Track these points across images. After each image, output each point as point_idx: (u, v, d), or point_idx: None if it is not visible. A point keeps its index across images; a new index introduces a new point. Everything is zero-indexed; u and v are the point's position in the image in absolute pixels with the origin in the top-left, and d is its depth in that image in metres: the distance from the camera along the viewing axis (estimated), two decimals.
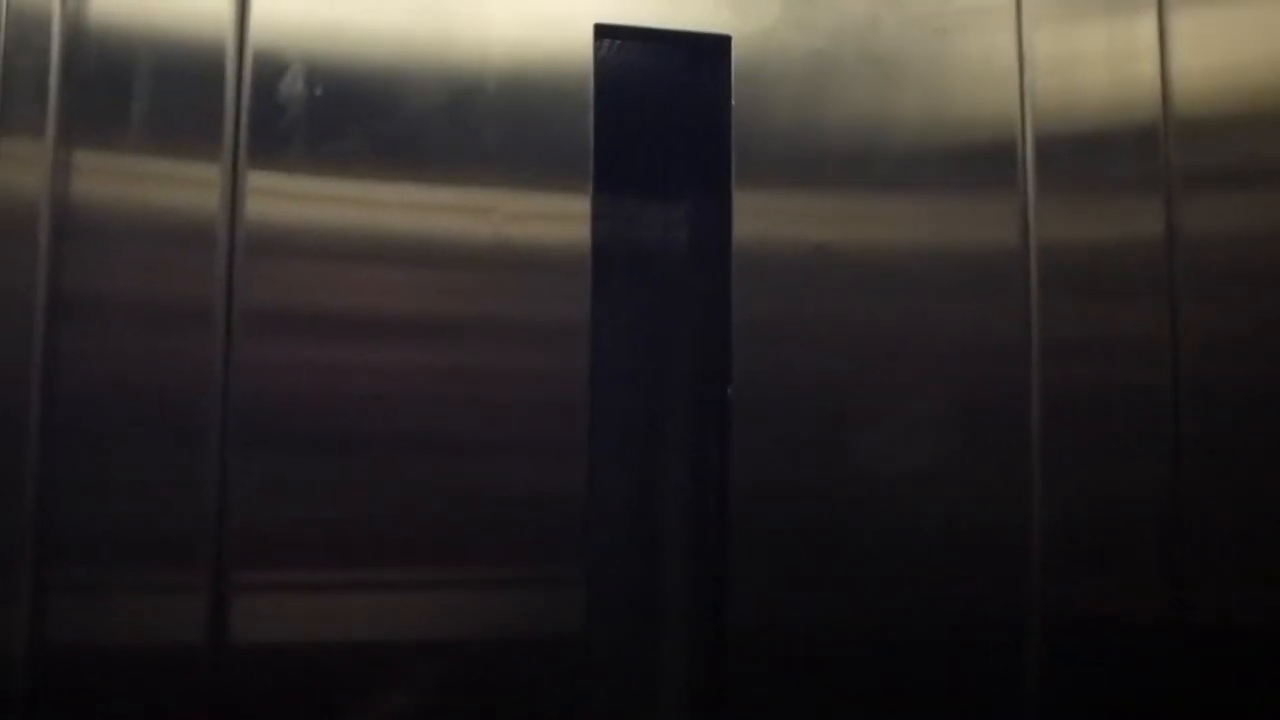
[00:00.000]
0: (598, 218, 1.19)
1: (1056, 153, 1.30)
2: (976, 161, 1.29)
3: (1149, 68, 1.33)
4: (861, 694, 1.22)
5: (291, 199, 1.13)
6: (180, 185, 1.10)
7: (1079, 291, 1.29)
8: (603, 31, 1.23)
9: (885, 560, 1.23)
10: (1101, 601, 1.27)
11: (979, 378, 1.27)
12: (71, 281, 1.07)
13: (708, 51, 1.28)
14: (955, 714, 1.23)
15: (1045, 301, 1.28)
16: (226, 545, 1.08)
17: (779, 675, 1.21)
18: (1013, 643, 1.25)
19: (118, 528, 1.06)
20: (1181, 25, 1.34)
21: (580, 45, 1.21)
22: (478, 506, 1.15)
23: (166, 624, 1.07)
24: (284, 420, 1.11)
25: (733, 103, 1.25)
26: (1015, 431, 1.26)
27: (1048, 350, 1.27)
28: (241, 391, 1.10)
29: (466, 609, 1.16)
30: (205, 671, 1.07)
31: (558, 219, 1.19)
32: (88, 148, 1.09)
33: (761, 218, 1.24)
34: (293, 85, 1.12)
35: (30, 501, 1.04)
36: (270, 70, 1.13)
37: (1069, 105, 1.31)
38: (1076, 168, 1.30)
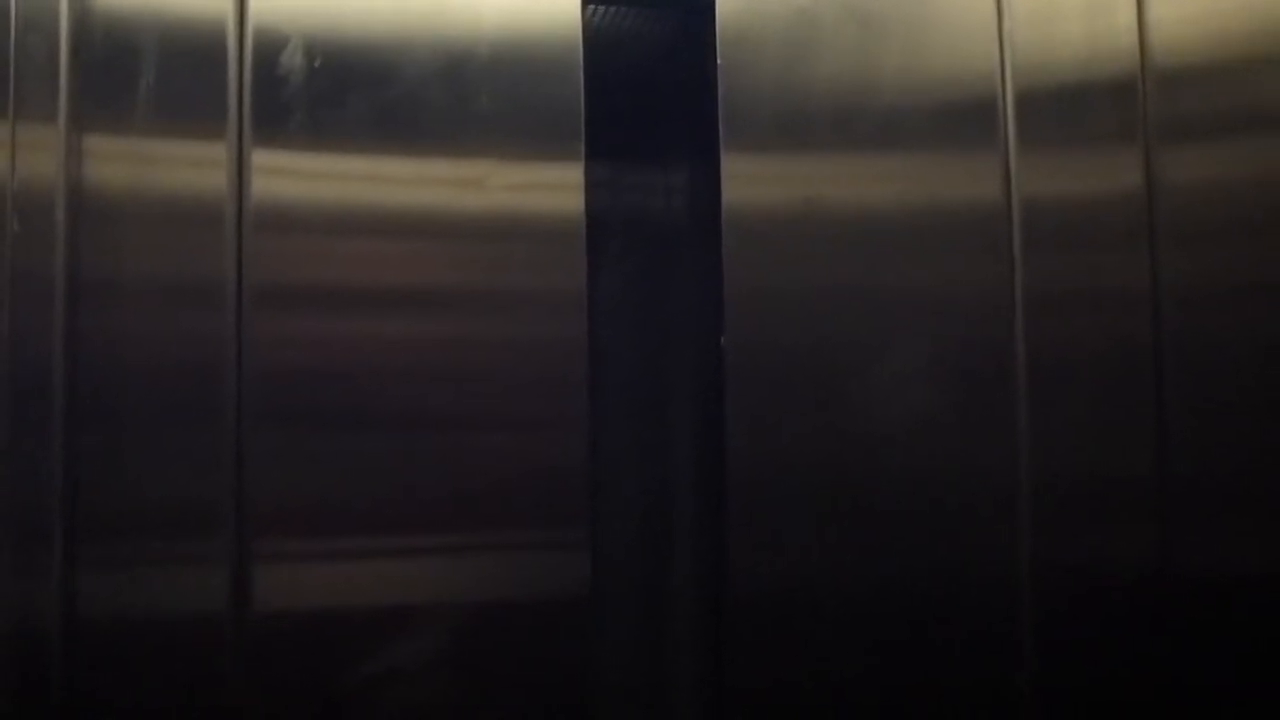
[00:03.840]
0: (590, 185, 1.21)
1: (1037, 107, 1.32)
2: (958, 117, 1.31)
3: (1126, 18, 1.35)
4: (859, 650, 1.26)
5: (294, 174, 1.15)
6: (187, 164, 1.13)
7: (1061, 245, 1.31)
8: None
9: (878, 518, 1.27)
10: (1089, 555, 1.29)
11: (964, 333, 1.29)
12: (88, 265, 1.09)
13: (693, 12, 1.30)
14: (948, 668, 1.27)
15: (1028, 255, 1.30)
16: (247, 517, 1.11)
17: (780, 633, 1.25)
18: (1004, 598, 1.28)
19: (142, 503, 1.09)
20: None
21: (568, 11, 1.22)
22: (486, 474, 1.19)
23: (191, 594, 1.11)
24: (295, 393, 1.14)
25: (719, 63, 1.26)
26: (1001, 386, 1.29)
27: (1031, 304, 1.30)
28: (255, 366, 1.12)
29: (477, 574, 1.20)
30: (230, 638, 1.11)
31: (551, 188, 1.21)
32: (97, 131, 1.11)
33: (749, 179, 1.26)
34: (292, 59, 1.14)
35: (58, 480, 1.07)
36: (270, 45, 1.15)
37: (1048, 59, 1.33)
38: (1057, 121, 1.32)
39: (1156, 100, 1.34)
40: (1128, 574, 1.30)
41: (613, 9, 1.32)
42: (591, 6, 1.26)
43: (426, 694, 1.17)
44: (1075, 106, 1.33)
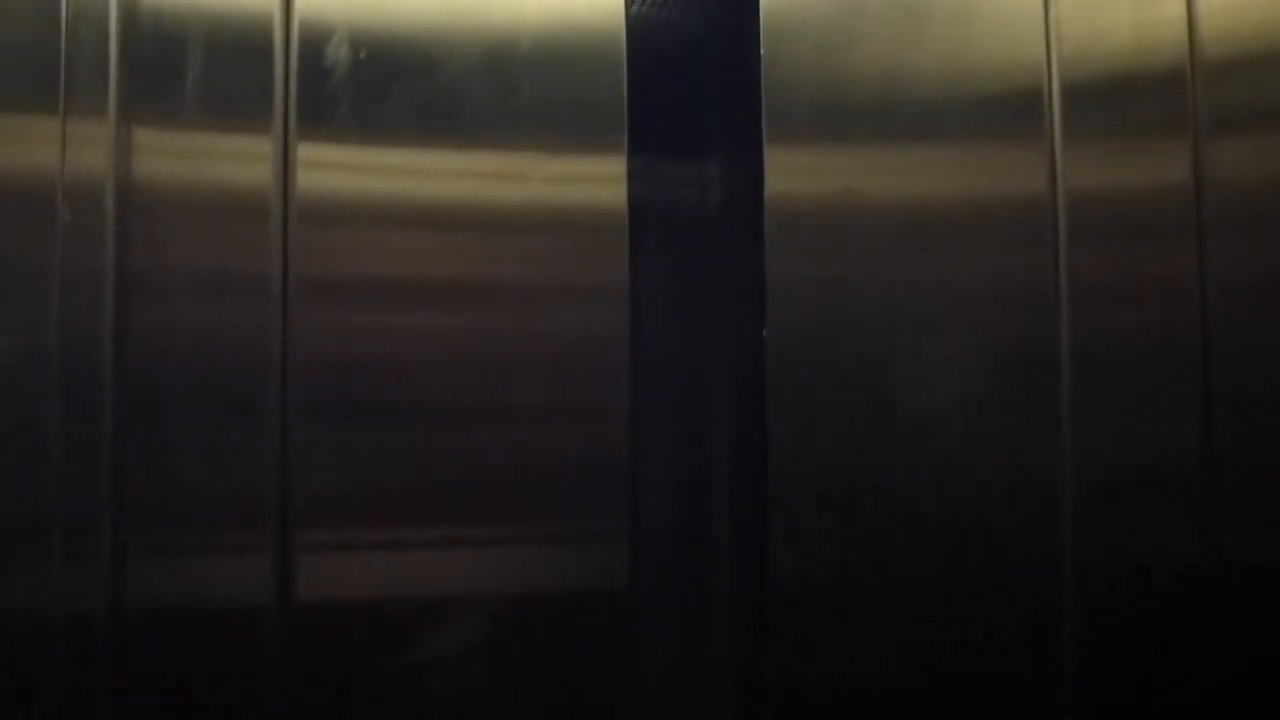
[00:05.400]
0: (634, 177, 1.21)
1: (1083, 98, 1.30)
2: (1003, 108, 1.30)
3: (1175, 8, 1.32)
4: (900, 642, 1.26)
5: (338, 168, 1.16)
6: (234, 157, 1.13)
7: (1107, 238, 1.30)
8: None
9: (920, 510, 1.26)
10: (1134, 549, 1.29)
11: (1007, 326, 1.28)
12: (136, 257, 1.10)
13: (733, 1, 1.29)
14: (990, 662, 1.27)
15: (1073, 248, 1.29)
16: (290, 508, 1.12)
17: (819, 626, 1.24)
18: (1048, 592, 1.27)
19: (188, 493, 1.11)
20: None
21: (612, 2, 1.22)
22: (527, 466, 1.19)
23: (236, 584, 1.12)
24: (339, 385, 1.15)
25: (762, 54, 1.25)
26: (1045, 379, 1.28)
27: (1076, 297, 1.28)
28: (299, 359, 1.13)
29: (516, 566, 1.20)
30: (273, 627, 1.12)
31: (594, 180, 1.21)
32: (146, 125, 1.12)
33: (792, 170, 1.25)
34: (337, 51, 1.15)
35: (107, 470, 1.08)
36: (316, 38, 1.15)
37: (1095, 49, 1.31)
38: (1103, 113, 1.30)
39: (1205, 91, 1.32)
40: (1174, 568, 1.29)
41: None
42: None
43: (466, 684, 1.18)
44: (1122, 98, 1.31)
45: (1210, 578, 1.29)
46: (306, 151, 1.15)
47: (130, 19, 1.11)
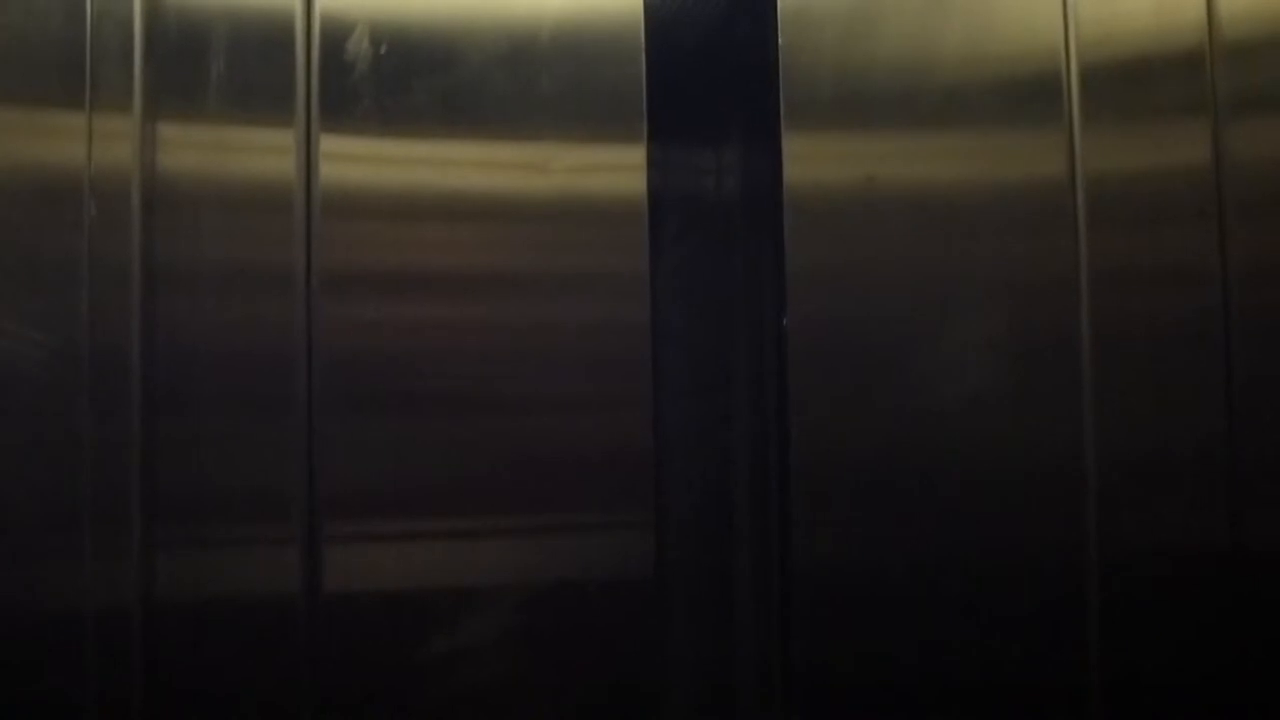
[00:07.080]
0: (653, 166, 1.21)
1: (1102, 81, 1.29)
2: (1022, 92, 1.29)
3: None
4: (922, 629, 1.26)
5: (360, 160, 1.16)
6: (257, 151, 1.14)
7: (1127, 222, 1.29)
8: None
9: (942, 497, 1.26)
10: (1158, 535, 1.28)
11: (1028, 311, 1.28)
12: (162, 251, 1.11)
13: None
14: (1014, 648, 1.27)
15: (1093, 232, 1.28)
16: (317, 500, 1.13)
17: (842, 613, 1.25)
18: (1071, 579, 1.27)
19: (216, 486, 1.11)
20: None
21: None
22: (550, 456, 1.20)
23: (264, 575, 1.13)
24: (363, 377, 1.15)
25: (780, 41, 1.25)
26: (1066, 364, 1.28)
27: (1097, 282, 1.28)
28: (324, 350, 1.14)
29: (542, 556, 1.21)
30: (301, 618, 1.13)
31: (614, 169, 1.21)
32: (170, 119, 1.12)
33: (810, 157, 1.25)
34: (359, 45, 1.15)
35: (136, 465, 1.09)
36: (337, 31, 1.16)
37: (1113, 32, 1.30)
38: (1122, 96, 1.30)
39: (1225, 73, 1.31)
40: (1199, 554, 1.29)
41: None
42: None
43: (493, 673, 1.18)
44: (1141, 80, 1.31)
45: (1236, 565, 1.28)
46: (329, 144, 1.15)
47: (154, 14, 1.12)
